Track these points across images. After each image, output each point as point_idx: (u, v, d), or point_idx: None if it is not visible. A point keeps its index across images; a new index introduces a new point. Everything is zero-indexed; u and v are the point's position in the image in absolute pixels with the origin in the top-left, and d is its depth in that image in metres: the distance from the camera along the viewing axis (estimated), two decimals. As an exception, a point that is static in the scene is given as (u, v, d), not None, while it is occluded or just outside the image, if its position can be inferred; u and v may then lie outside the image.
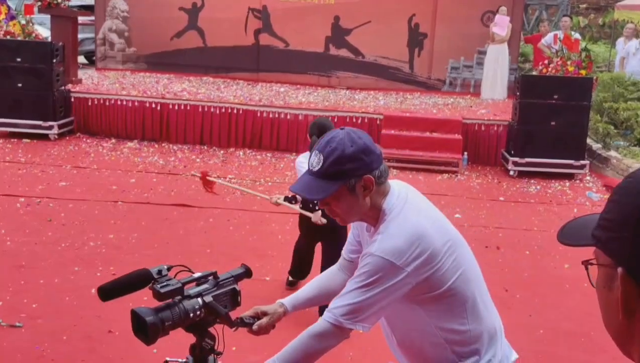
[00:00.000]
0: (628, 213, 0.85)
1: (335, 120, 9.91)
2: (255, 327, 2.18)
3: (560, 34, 10.47)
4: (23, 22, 10.27)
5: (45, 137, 9.81)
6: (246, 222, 6.69)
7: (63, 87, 10.18)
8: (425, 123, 9.81)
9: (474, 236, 6.64)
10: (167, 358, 2.04)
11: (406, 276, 1.93)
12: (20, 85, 9.74)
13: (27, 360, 3.98)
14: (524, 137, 9.09)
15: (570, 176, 9.12)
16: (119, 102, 10.28)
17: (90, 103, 10.37)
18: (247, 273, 2.05)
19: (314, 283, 2.41)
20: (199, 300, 1.85)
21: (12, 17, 10.25)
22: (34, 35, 10.26)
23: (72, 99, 10.37)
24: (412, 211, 2.01)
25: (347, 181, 1.96)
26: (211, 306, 1.86)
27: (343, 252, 2.39)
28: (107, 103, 10.31)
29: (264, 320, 2.21)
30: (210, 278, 1.93)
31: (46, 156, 8.98)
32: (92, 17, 13.78)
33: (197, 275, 1.92)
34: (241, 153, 9.77)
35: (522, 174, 9.13)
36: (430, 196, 7.20)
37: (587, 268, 0.96)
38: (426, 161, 9.31)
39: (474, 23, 12.59)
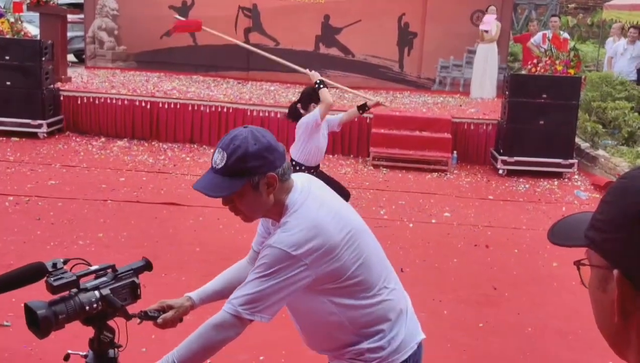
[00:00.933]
0: (623, 214, 0.85)
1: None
2: (160, 320, 2.18)
3: (549, 33, 10.54)
4: (12, 19, 10.23)
5: (34, 135, 9.76)
6: (236, 221, 6.62)
7: (52, 86, 10.13)
8: (415, 122, 9.83)
9: (463, 235, 6.67)
10: (69, 351, 2.03)
11: (305, 269, 1.97)
12: (8, 83, 9.69)
13: (15, 359, 3.97)
14: (512, 136, 9.13)
15: (558, 175, 9.17)
16: (108, 101, 10.25)
17: (79, 102, 10.33)
18: (148, 266, 2.06)
19: (223, 275, 2.43)
20: (96, 293, 1.84)
21: (1, 15, 10.20)
22: (22, 33, 10.21)
23: (62, 98, 10.33)
24: (313, 205, 2.05)
25: (251, 178, 1.99)
26: (108, 299, 1.85)
27: (253, 244, 2.43)
28: (97, 102, 10.28)
29: (169, 314, 2.21)
30: (108, 271, 1.94)
31: (35, 154, 8.95)
32: (82, 15, 13.73)
33: (94, 267, 1.92)
34: (231, 152, 9.75)
35: (511, 173, 9.17)
36: (419, 194, 7.28)
37: (579, 269, 0.95)
38: (416, 159, 9.34)
39: (463, 22, 12.64)
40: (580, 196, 8.29)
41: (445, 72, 12.95)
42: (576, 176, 9.23)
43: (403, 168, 9.26)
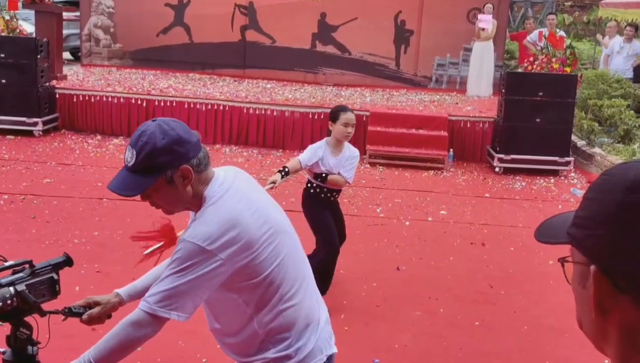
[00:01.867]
0: (603, 210, 0.85)
1: (322, 116, 9.93)
2: (85, 316, 2.13)
3: (545, 31, 10.53)
4: (7, 17, 10.19)
5: (29, 133, 9.73)
6: (232, 219, 6.67)
7: (48, 84, 10.10)
8: (412, 120, 9.83)
9: (459, 233, 6.67)
10: None
11: (222, 264, 1.92)
12: (4, 81, 9.65)
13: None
14: (509, 134, 9.13)
15: (555, 173, 9.17)
16: (104, 99, 10.23)
17: (75, 99, 10.30)
18: (68, 261, 2.05)
19: (153, 271, 2.37)
20: (11, 289, 1.82)
21: (-4, 13, 10.17)
22: (18, 30, 10.18)
23: (57, 96, 10.29)
24: (233, 198, 2.00)
25: (164, 173, 1.95)
26: (23, 295, 1.83)
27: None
28: (93, 100, 10.25)
29: (95, 310, 2.17)
30: (25, 266, 1.92)
31: (30, 152, 8.92)
32: (77, 13, 13.69)
33: (9, 263, 1.91)
34: (227, 150, 9.75)
35: (507, 171, 9.17)
36: (416, 192, 7.27)
37: (563, 266, 0.96)
38: (412, 157, 9.33)
39: (460, 20, 12.64)
40: (576, 193, 8.29)
41: (441, 70, 12.94)
42: (572, 174, 9.23)
43: (399, 166, 9.25)
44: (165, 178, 1.96)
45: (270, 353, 2.08)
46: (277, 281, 2.02)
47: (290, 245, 2.10)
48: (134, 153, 1.95)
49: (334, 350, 2.22)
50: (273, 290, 2.02)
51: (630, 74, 11.59)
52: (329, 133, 4.91)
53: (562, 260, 0.95)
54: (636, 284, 0.81)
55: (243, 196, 2.03)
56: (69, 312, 2.10)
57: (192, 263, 1.91)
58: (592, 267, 0.85)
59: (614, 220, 0.83)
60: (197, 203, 2.04)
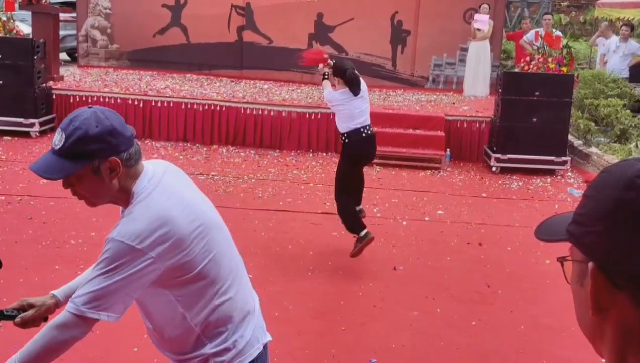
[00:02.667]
0: (601, 208, 0.85)
1: (319, 117, 9.94)
2: (18, 319, 2.10)
3: (541, 31, 10.54)
4: (4, 18, 10.18)
5: (26, 134, 9.72)
6: (228, 219, 6.61)
7: (44, 84, 10.09)
8: (408, 120, 9.84)
9: (456, 233, 6.68)
10: None
11: (152, 262, 1.88)
12: (0, 82, 9.64)
13: (4, 359, 3.95)
14: (506, 133, 9.14)
15: (551, 172, 9.19)
16: (101, 100, 10.22)
17: (72, 100, 10.30)
18: None
19: (88, 270, 2.31)
20: None
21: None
22: (14, 31, 10.17)
23: (54, 96, 10.29)
24: (162, 195, 1.97)
25: (91, 162, 1.91)
26: None
27: None
28: (90, 100, 10.24)
29: (29, 313, 2.13)
30: None
31: (27, 153, 8.91)
32: (74, 14, 13.67)
33: None
34: (224, 150, 9.74)
35: (504, 171, 9.18)
36: (412, 192, 7.27)
37: (562, 265, 0.96)
38: (409, 157, 9.34)
39: (456, 20, 12.65)
40: (573, 193, 8.30)
41: (438, 70, 12.95)
42: (569, 174, 9.25)
43: (396, 166, 9.25)
44: (91, 167, 1.92)
45: (208, 349, 2.06)
46: (210, 277, 2.00)
47: (222, 239, 2.09)
48: (64, 136, 1.90)
49: (269, 337, 2.24)
50: (206, 286, 2.00)
51: (626, 73, 11.62)
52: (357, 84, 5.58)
53: (562, 259, 0.96)
54: (633, 282, 0.81)
55: (173, 192, 2.00)
56: (0, 315, 2.06)
57: (121, 262, 1.87)
58: (590, 264, 0.85)
59: (611, 217, 0.83)
60: (124, 197, 2.00)
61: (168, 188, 2.00)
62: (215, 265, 2.02)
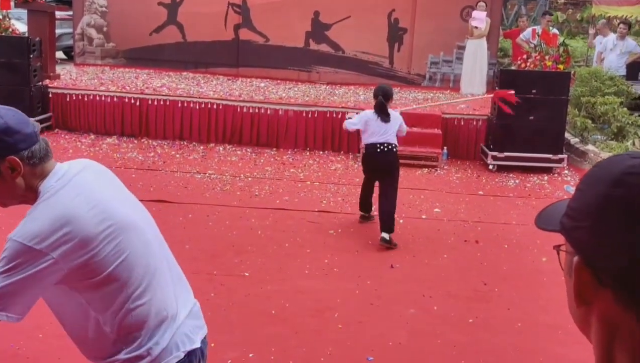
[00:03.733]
0: (590, 203, 0.85)
1: (316, 115, 9.93)
2: None
3: (538, 29, 10.54)
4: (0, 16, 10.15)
5: (22, 133, 9.68)
6: (225, 217, 6.67)
7: (40, 83, 10.07)
8: (405, 118, 9.75)
9: (453, 231, 6.68)
10: None
11: (53, 262, 1.82)
12: (-4, 81, 9.62)
13: (2, 358, 3.94)
14: (502, 131, 9.14)
15: (548, 170, 9.19)
16: (97, 98, 10.20)
17: (68, 99, 10.28)
18: None
19: None
20: None
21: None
22: (10, 30, 10.14)
23: (50, 95, 10.26)
24: (70, 193, 1.91)
25: None
26: None
27: None
28: (86, 99, 10.22)
29: None
30: None
31: (23, 152, 8.88)
32: (70, 12, 13.65)
33: None
34: (221, 148, 9.73)
35: (501, 169, 9.18)
36: (409, 190, 7.27)
37: (558, 254, 0.96)
38: (406, 155, 9.29)
39: (453, 18, 12.64)
40: (569, 191, 8.30)
41: (435, 68, 12.95)
42: (566, 171, 9.25)
43: (393, 164, 9.24)
44: None
45: (122, 355, 2.00)
46: (121, 280, 1.94)
47: (139, 241, 2.00)
48: None
49: (196, 345, 2.14)
50: (118, 289, 1.94)
51: (623, 71, 11.63)
52: (384, 110, 6.45)
53: (557, 248, 0.96)
54: (616, 278, 0.81)
55: (83, 191, 1.94)
56: None
57: (18, 262, 1.81)
58: (576, 258, 0.85)
59: (598, 213, 0.83)
60: (32, 196, 1.95)
61: (78, 187, 1.94)
62: (128, 267, 1.95)
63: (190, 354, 2.11)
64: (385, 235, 6.07)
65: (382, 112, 6.40)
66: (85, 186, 1.96)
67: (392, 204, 6.25)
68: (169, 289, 2.10)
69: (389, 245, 6.03)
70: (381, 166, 6.41)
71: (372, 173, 6.55)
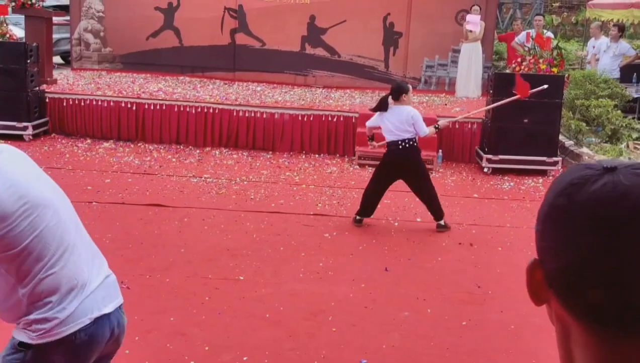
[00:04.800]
0: (541, 209, 0.90)
1: (311, 118, 9.97)
2: None
3: (532, 32, 10.58)
4: (-4, 22, 10.19)
5: (19, 138, 9.74)
6: (221, 221, 6.71)
7: (37, 88, 10.10)
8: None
9: (448, 234, 6.72)
10: None
11: None
12: (-7, 86, 9.66)
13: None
14: (497, 134, 9.19)
15: (543, 173, 9.24)
16: (94, 103, 10.24)
17: (65, 103, 10.31)
18: None
19: None
20: None
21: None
22: (7, 35, 10.18)
23: (47, 100, 10.30)
24: None
25: None
26: None
27: None
28: (83, 103, 10.26)
29: None
30: None
31: (20, 157, 8.90)
32: (68, 17, 13.69)
33: None
34: (217, 152, 9.77)
35: (496, 171, 9.23)
36: (404, 193, 7.28)
37: None
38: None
39: (448, 22, 12.70)
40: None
41: (430, 72, 13.00)
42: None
43: (389, 167, 9.28)
44: None
45: (33, 315, 2.19)
46: (35, 252, 2.12)
47: (52, 218, 2.19)
48: None
49: (104, 311, 2.31)
50: (32, 260, 2.13)
51: (617, 74, 11.68)
52: (383, 105, 6.65)
53: None
54: (555, 282, 0.86)
55: (0, 172, 2.10)
56: None
57: None
58: (533, 258, 0.90)
59: (544, 220, 0.88)
60: None
61: None
62: (42, 241, 2.13)
63: (97, 320, 2.28)
64: (441, 222, 6.67)
65: (381, 106, 6.63)
66: (2, 168, 2.12)
67: (427, 195, 6.62)
68: (81, 262, 2.29)
69: (445, 229, 6.67)
70: (398, 163, 6.59)
71: (385, 171, 6.69)
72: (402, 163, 6.58)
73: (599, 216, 0.81)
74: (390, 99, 6.63)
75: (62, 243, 2.22)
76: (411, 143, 6.52)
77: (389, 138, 6.61)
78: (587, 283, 0.81)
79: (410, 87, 6.84)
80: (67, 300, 2.21)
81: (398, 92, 6.60)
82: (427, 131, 6.65)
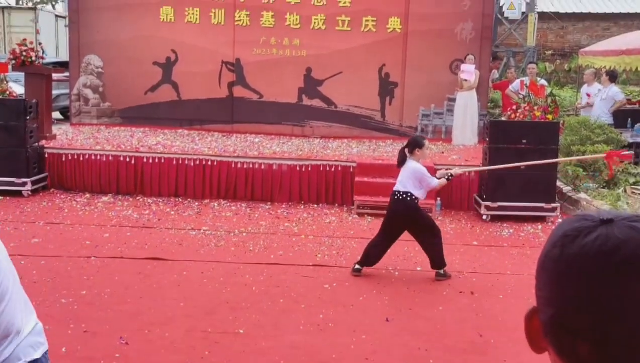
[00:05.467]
0: (540, 258, 0.91)
1: (309, 169, 10.02)
2: None
3: (526, 80, 10.73)
4: (-3, 80, 10.32)
5: (18, 194, 9.75)
6: (220, 274, 6.68)
7: (37, 144, 10.17)
8: (398, 170, 9.89)
9: (448, 282, 6.68)
10: None
11: None
12: (-7, 142, 9.72)
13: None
14: (495, 181, 9.22)
15: (542, 219, 9.24)
16: (93, 157, 10.29)
17: (64, 158, 10.36)
18: None
19: None
20: None
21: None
22: (7, 92, 10.29)
23: (46, 155, 10.36)
24: None
25: None
26: None
27: None
28: (82, 158, 10.31)
29: None
30: None
31: (19, 212, 8.92)
32: (67, 73, 13.88)
33: None
34: (216, 204, 9.78)
35: (495, 218, 9.23)
36: (404, 242, 7.27)
37: None
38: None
39: (442, 71, 12.89)
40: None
41: (426, 120, 13.13)
42: (559, 220, 9.28)
43: (388, 216, 9.28)
44: None
45: None
46: None
47: None
48: None
49: (34, 356, 2.43)
50: None
51: (610, 119, 11.82)
52: (401, 159, 6.82)
53: None
54: (550, 331, 0.86)
55: None
56: None
57: None
58: (533, 306, 0.90)
59: (539, 269, 0.89)
60: None
61: None
62: None
63: None
64: (440, 270, 6.72)
65: (399, 159, 6.82)
66: None
67: (430, 244, 6.67)
68: (18, 311, 2.42)
69: (443, 278, 6.68)
70: (393, 214, 6.71)
71: (390, 221, 6.75)
72: (399, 213, 6.69)
73: (587, 270, 0.81)
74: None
75: (4, 295, 2.32)
76: (406, 195, 6.62)
77: (395, 187, 6.78)
78: (575, 336, 0.82)
79: (426, 142, 6.90)
80: (3, 344, 2.32)
81: (412, 145, 6.76)
82: (436, 182, 6.75)
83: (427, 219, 6.85)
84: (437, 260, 6.68)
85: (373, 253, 6.70)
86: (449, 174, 7.02)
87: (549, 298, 0.86)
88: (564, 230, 0.88)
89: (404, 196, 6.61)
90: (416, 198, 6.65)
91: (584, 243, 0.84)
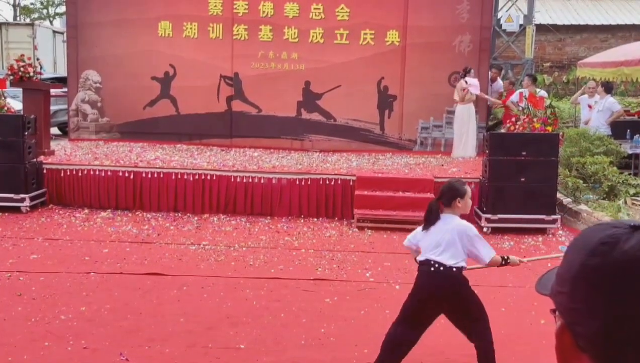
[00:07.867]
0: (569, 270, 0.88)
1: (309, 182, 9.99)
2: None
3: (525, 92, 10.74)
4: (-5, 96, 10.31)
5: (17, 210, 9.71)
6: (220, 289, 6.63)
7: (35, 159, 10.15)
8: (398, 183, 9.90)
9: (450, 295, 6.63)
10: None
11: None
12: (-9, 159, 9.70)
13: None
14: (495, 194, 9.20)
15: (542, 231, 9.21)
16: (91, 173, 10.25)
17: (62, 174, 10.33)
18: None
19: None
20: None
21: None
22: (5, 109, 10.28)
23: (45, 171, 10.32)
24: None
25: None
26: None
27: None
28: (80, 174, 10.28)
29: None
30: None
31: (17, 229, 8.88)
32: (65, 89, 13.88)
33: None
34: (215, 219, 9.74)
35: (495, 231, 9.19)
36: (405, 255, 7.21)
37: (555, 317, 0.98)
38: (399, 220, 9.35)
39: (441, 84, 12.90)
40: (564, 251, 8.29)
41: (425, 133, 13.13)
42: (560, 232, 9.26)
43: (388, 229, 9.26)
44: None
45: None
46: None
47: None
48: None
49: None
50: None
51: (607, 130, 11.83)
52: (434, 215, 4.61)
53: (553, 312, 0.98)
54: (592, 345, 0.82)
55: None
56: None
57: None
58: (559, 322, 0.87)
59: (575, 281, 0.85)
60: None
61: None
62: None
63: None
64: None
65: (430, 217, 4.63)
66: None
67: (482, 338, 4.76)
68: None
69: None
70: (428, 294, 4.75)
71: (423, 304, 4.77)
72: (439, 292, 4.72)
73: (638, 274, 0.79)
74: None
75: None
76: (448, 266, 4.61)
77: (423, 255, 4.72)
78: (628, 343, 0.79)
79: (468, 189, 4.70)
80: None
81: (447, 195, 4.63)
82: (492, 256, 4.76)
83: (475, 299, 4.82)
84: (488, 358, 4.76)
85: (398, 353, 4.75)
86: (506, 258, 4.91)
87: (593, 308, 0.82)
88: (599, 238, 0.85)
89: (445, 267, 4.61)
90: (461, 269, 4.72)
91: (626, 248, 0.81)
